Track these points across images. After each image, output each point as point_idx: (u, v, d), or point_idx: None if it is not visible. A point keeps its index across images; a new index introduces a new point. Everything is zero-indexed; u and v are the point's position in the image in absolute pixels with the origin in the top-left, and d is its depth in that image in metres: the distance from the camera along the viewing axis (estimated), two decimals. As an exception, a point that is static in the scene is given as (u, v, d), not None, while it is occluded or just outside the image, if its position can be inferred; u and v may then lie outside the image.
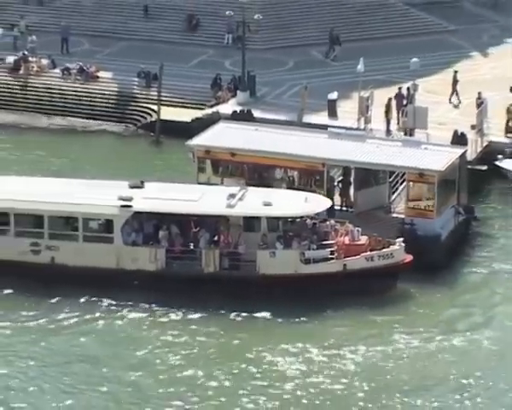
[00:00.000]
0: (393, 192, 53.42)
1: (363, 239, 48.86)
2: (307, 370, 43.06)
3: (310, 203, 49.55)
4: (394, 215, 52.21)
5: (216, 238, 48.84)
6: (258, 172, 54.22)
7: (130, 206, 48.98)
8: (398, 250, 48.46)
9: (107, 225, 49.27)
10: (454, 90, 64.54)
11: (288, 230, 48.83)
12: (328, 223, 49.55)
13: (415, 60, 66.29)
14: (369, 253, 48.34)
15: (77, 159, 60.85)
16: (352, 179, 53.30)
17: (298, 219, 49.33)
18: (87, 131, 66.88)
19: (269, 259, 48.26)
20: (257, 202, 49.18)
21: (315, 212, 49.32)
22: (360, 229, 49.23)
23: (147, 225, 49.38)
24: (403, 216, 51.60)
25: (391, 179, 53.52)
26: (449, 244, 50.76)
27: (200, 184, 53.04)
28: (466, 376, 42.65)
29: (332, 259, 48.18)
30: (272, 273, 48.13)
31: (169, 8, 77.26)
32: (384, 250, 48.49)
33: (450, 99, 64.95)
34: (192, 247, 48.95)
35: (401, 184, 53.38)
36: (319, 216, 49.75)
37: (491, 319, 47.38)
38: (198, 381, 42.99)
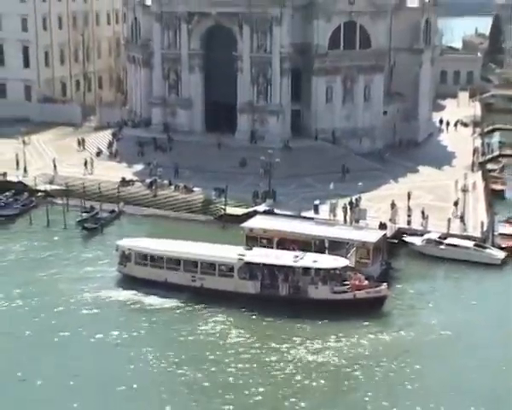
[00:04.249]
0: (348, 253, 53.27)
1: (366, 282, 49.75)
2: (322, 354, 43.86)
3: (337, 261, 50.30)
4: (349, 265, 52.56)
5: (287, 277, 49.75)
6: (279, 242, 54.52)
7: (243, 259, 50.47)
8: (383, 288, 49.18)
9: (231, 268, 50.56)
10: (408, 201, 63.76)
11: (326, 275, 49.51)
12: (347, 272, 50.23)
13: (360, 183, 67.89)
14: (368, 289, 49.00)
15: (182, 234, 58.85)
16: (326, 246, 53.77)
17: (331, 270, 49.74)
18: (187, 219, 66.56)
19: (314, 290, 49.09)
20: (309, 260, 50.19)
21: (340, 266, 49.95)
22: (364, 276, 50.26)
23: (251, 269, 50.48)
24: (353, 265, 52.00)
25: (347, 246, 53.74)
26: (378, 280, 51.12)
27: (245, 247, 52.66)
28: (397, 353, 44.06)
29: (348, 292, 48.96)
30: (316, 298, 48.94)
31: (229, 155, 76.52)
32: (376, 288, 49.10)
33: (408, 207, 63.11)
34: (274, 281, 50.04)
35: (352, 249, 53.74)
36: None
37: (406, 319, 48.69)
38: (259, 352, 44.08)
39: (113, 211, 67.44)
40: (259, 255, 51.01)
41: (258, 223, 57.56)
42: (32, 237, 61.94)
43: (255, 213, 62.87)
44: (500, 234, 60.53)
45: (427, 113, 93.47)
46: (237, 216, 63.51)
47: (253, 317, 48.14)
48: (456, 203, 64.41)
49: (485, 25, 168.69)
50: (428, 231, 60.21)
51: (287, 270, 49.87)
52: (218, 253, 51.45)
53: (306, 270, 49.74)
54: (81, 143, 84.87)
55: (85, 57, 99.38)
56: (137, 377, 41.07)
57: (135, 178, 74.10)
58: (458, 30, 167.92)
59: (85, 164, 76.07)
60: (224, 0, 78.56)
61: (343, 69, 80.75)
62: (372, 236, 54.56)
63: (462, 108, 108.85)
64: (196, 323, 47.19)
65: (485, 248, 58.12)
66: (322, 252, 52.92)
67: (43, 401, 39.04)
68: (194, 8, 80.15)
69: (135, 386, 40.27)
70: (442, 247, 57.95)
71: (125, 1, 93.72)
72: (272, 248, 53.91)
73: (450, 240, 58.33)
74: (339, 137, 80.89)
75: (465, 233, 60.43)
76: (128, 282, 52.39)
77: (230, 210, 65.83)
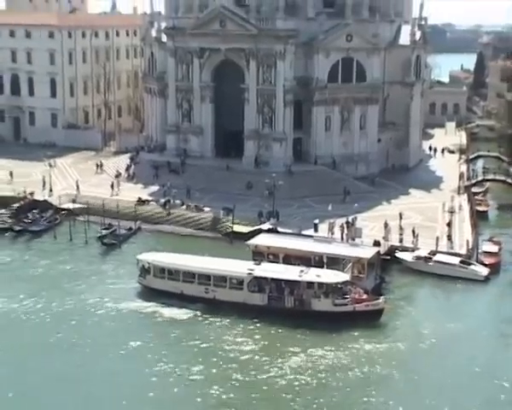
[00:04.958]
0: (344, 268, 53.23)
1: (365, 296, 49.71)
2: (321, 362, 43.52)
3: (338, 276, 50.07)
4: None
5: (292, 291, 49.54)
6: (285, 258, 54.22)
7: (252, 273, 50.29)
8: (381, 302, 49.00)
9: (241, 281, 50.34)
10: (400, 221, 63.89)
11: (328, 289, 49.28)
12: (348, 286, 49.99)
13: (356, 205, 67.53)
14: (367, 302, 48.92)
15: (193, 249, 58.73)
16: (325, 261, 53.40)
17: (333, 284, 49.51)
18: (197, 236, 66.38)
19: (317, 302, 48.86)
20: (313, 275, 49.97)
21: (341, 281, 49.75)
22: (362, 290, 50.02)
23: (260, 283, 50.28)
24: (349, 279, 51.45)
25: (344, 262, 53.77)
26: (372, 293, 51.01)
27: (254, 263, 52.30)
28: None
29: (348, 304, 48.78)
30: (319, 310, 48.68)
31: (237, 178, 76.53)
32: (374, 301, 48.99)
33: (400, 226, 62.94)
34: (281, 294, 49.72)
35: (349, 264, 53.67)
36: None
37: (400, 329, 48.45)
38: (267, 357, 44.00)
39: (130, 228, 67.36)
40: (267, 270, 50.79)
41: (262, 240, 57.42)
42: (57, 251, 62.19)
43: (260, 230, 62.78)
44: (484, 252, 60.51)
45: (418, 140, 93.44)
46: (243, 233, 63.29)
47: (261, 327, 47.97)
48: (448, 224, 64.24)
49: (470, 61, 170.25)
50: (418, 249, 60.08)
51: (292, 284, 49.67)
52: (229, 267, 51.33)
53: (310, 284, 49.52)
54: (99, 166, 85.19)
55: (106, 88, 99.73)
56: (153, 384, 40.73)
57: (150, 198, 74.09)
58: (446, 66, 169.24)
59: (112, 186, 76.31)
60: (232, 37, 79.34)
61: (341, 100, 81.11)
62: (367, 252, 54.51)
63: (449, 136, 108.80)
64: (208, 332, 47.18)
65: (470, 264, 57.89)
66: (321, 267, 52.78)
67: (61, 406, 38.73)
68: (206, 44, 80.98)
69: (150, 394, 39.85)
70: (431, 263, 57.80)
71: (142, 37, 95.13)
72: (278, 262, 53.82)
73: (438, 257, 58.19)
74: (338, 162, 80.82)
75: (452, 251, 60.32)
76: (147, 293, 52.33)
77: (237, 228, 65.71)
